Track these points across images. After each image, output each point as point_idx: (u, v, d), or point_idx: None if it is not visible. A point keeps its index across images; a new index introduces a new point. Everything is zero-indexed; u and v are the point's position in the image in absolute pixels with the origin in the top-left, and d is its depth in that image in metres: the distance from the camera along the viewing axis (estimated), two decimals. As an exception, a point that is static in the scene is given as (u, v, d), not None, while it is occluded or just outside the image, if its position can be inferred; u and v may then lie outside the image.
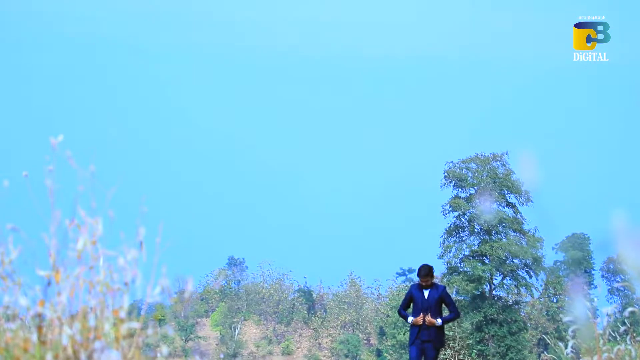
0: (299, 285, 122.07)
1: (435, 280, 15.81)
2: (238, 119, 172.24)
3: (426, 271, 15.43)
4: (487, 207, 64.69)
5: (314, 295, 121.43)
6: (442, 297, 15.45)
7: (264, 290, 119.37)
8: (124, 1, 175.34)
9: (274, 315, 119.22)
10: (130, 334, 6.18)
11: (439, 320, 15.26)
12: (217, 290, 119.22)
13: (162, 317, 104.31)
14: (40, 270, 6.11)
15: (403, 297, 16.42)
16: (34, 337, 6.01)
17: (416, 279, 15.94)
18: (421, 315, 15.35)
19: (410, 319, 15.37)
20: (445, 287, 15.69)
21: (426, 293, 15.42)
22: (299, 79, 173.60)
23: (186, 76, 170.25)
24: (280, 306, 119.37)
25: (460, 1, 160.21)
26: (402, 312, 15.55)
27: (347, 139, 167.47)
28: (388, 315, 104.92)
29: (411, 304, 15.65)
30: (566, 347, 12.23)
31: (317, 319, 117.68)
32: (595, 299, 12.16)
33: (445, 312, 15.67)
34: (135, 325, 6.16)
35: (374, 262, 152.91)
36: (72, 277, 6.13)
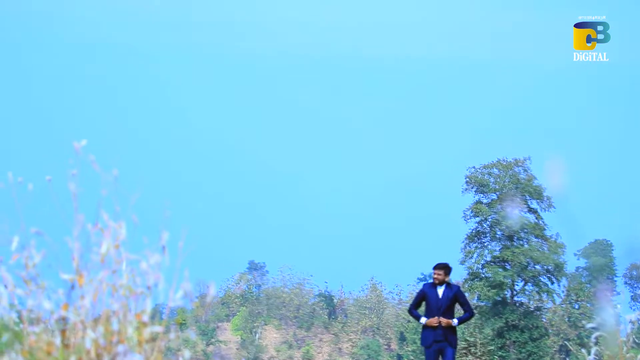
0: (319, 290, 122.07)
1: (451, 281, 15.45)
2: (248, 123, 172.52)
3: (441, 265, 14.95)
4: (511, 213, 64.51)
5: (335, 300, 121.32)
6: (456, 297, 14.91)
7: (284, 295, 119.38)
8: (123, 3, 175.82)
9: (294, 320, 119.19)
10: (153, 338, 6.18)
11: (455, 321, 14.74)
12: (237, 295, 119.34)
13: (184, 322, 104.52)
14: (64, 274, 6.11)
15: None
16: (58, 341, 6.02)
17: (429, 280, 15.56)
18: (436, 317, 14.80)
19: (423, 319, 14.83)
20: (459, 287, 15.21)
21: (440, 292, 14.88)
22: (311, 82, 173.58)
23: (193, 79, 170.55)
24: (300, 311, 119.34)
25: (461, 1, 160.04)
26: (414, 312, 14.97)
27: (364, 142, 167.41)
28: (409, 321, 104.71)
29: (422, 304, 15.14)
30: (589, 353, 12.16)
31: (337, 323, 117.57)
32: (619, 306, 12.02)
33: (459, 313, 15.17)
34: (158, 329, 6.16)
35: (395, 267, 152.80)
36: (96, 280, 6.14)
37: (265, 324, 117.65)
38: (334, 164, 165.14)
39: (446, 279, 14.90)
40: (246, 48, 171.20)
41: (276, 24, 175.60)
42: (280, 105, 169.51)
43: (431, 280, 15.21)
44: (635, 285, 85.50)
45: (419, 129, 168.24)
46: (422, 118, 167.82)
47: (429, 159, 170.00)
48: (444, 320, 14.65)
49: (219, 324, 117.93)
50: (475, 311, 43.67)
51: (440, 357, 14.89)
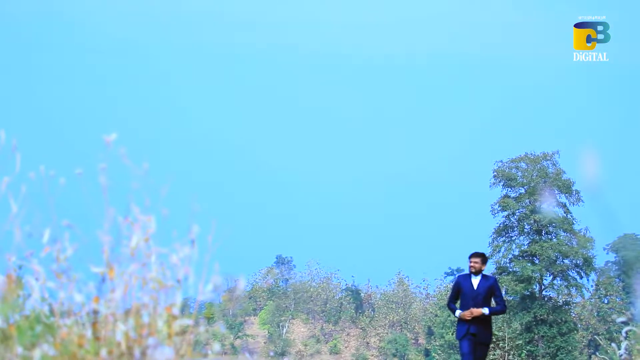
0: (346, 284, 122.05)
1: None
2: (261, 120, 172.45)
3: (478, 253, 14.55)
4: (547, 205, 64.30)
5: (362, 294, 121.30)
6: (492, 288, 14.41)
7: (311, 289, 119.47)
8: (126, 1, 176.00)
9: (321, 314, 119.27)
10: (183, 331, 6.21)
11: (486, 310, 14.25)
12: (265, 289, 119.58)
13: (212, 315, 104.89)
14: (95, 267, 6.14)
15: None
16: (89, 333, 6.05)
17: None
18: (469, 310, 14.33)
19: (458, 312, 14.38)
20: (496, 279, 14.70)
21: (475, 282, 14.44)
22: (323, 76, 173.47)
23: (207, 78, 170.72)
24: (327, 305, 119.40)
25: (461, 1, 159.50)
26: (452, 305, 14.54)
27: (390, 139, 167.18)
28: (436, 315, 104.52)
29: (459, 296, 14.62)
30: (619, 348, 12.09)
31: (364, 318, 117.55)
32: None
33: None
34: (188, 322, 6.18)
35: (422, 261, 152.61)
36: (126, 273, 6.16)
37: (293, 318, 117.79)
38: (357, 158, 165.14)
39: (483, 268, 14.46)
40: (250, 45, 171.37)
41: (277, 21, 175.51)
42: (292, 102, 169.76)
43: (465, 272, 14.74)
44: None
45: (432, 125, 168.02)
46: (426, 116, 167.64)
47: (451, 153, 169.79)
48: (475, 311, 14.23)
49: (246, 317, 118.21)
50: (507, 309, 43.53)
51: (475, 348, 14.47)
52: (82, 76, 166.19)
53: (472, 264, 14.43)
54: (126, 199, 6.27)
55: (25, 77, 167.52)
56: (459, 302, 14.50)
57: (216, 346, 8.27)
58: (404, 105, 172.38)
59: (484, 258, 14.52)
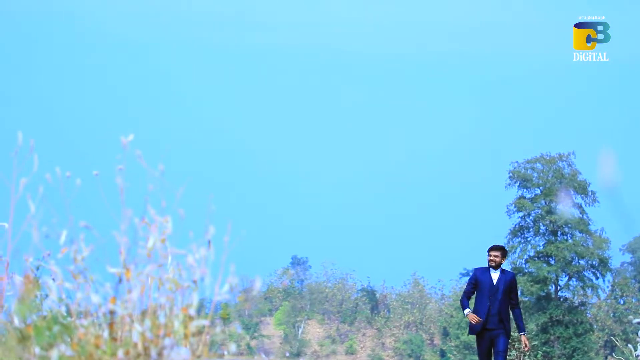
0: (362, 285, 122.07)
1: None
2: (268, 119, 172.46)
3: (498, 247, 13.84)
4: (566, 205, 64.25)
5: (377, 295, 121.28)
6: (511, 284, 13.69)
7: (327, 290, 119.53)
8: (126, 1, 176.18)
9: (337, 315, 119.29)
10: (199, 332, 6.24)
11: (526, 341, 13.74)
12: (280, 290, 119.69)
13: (228, 316, 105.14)
14: (112, 267, 6.18)
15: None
16: (106, 334, 6.09)
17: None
18: (475, 317, 13.53)
19: (467, 311, 13.62)
20: (515, 275, 14.09)
21: (495, 277, 13.68)
22: (331, 73, 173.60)
23: (220, 77, 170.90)
24: (343, 305, 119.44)
25: (461, 1, 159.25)
26: (465, 301, 13.72)
27: (405, 139, 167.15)
28: (452, 316, 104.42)
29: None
30: (635, 349, 12.06)
31: (380, 318, 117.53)
32: None
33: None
34: (204, 322, 6.21)
35: (437, 262, 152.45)
36: (143, 274, 6.20)
37: (309, 319, 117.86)
38: (372, 157, 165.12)
39: (502, 262, 13.79)
40: (254, 44, 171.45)
41: (281, 18, 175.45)
42: (305, 101, 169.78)
43: (484, 266, 13.94)
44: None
45: (434, 125, 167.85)
46: (428, 116, 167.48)
47: (462, 154, 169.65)
48: (526, 343, 13.65)
49: (262, 318, 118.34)
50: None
51: (492, 348, 13.66)
52: (94, 76, 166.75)
53: (491, 258, 13.75)
54: (142, 200, 6.30)
55: (36, 78, 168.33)
56: (474, 297, 13.86)
57: (232, 347, 8.32)
58: (413, 105, 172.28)
59: (504, 251, 13.89)
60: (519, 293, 66.06)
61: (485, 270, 13.74)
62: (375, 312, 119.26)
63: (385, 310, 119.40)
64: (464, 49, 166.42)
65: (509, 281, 13.70)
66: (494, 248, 13.78)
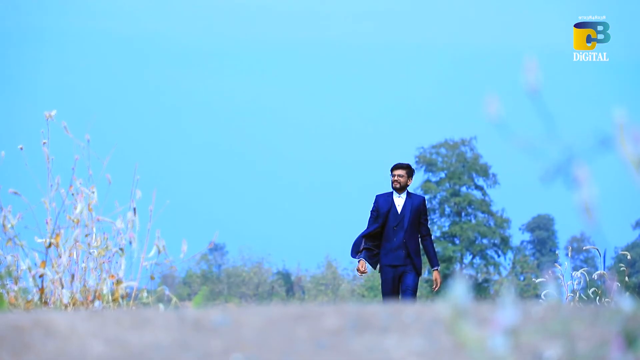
0: (277, 269, 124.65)
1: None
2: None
3: (402, 165, 11.10)
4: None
5: (293, 277, 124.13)
6: (419, 210, 10.99)
7: (244, 274, 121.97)
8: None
9: (254, 297, 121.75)
10: (128, 294, 6.29)
11: (437, 270, 11.03)
12: (199, 275, 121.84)
13: (154, 278, 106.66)
14: (39, 238, 6.16)
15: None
16: (36, 298, 6.03)
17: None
18: (363, 262, 11.09)
19: (360, 261, 11.20)
20: (425, 199, 11.30)
21: (399, 203, 10.96)
22: (333, 67, 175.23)
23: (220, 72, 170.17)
24: (260, 288, 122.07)
25: (459, 0, 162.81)
26: (359, 242, 11.09)
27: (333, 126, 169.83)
28: (363, 296, 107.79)
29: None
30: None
31: (295, 300, 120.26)
32: (562, 276, 11.44)
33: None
34: (133, 283, 6.25)
35: (350, 245, 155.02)
36: (70, 240, 6.17)
37: (227, 302, 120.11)
38: (277, 141, 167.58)
39: (409, 184, 11.12)
40: (254, 40, 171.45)
41: (283, 14, 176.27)
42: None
43: (387, 192, 11.17)
44: (575, 257, 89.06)
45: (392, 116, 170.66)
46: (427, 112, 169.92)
47: (401, 146, 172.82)
48: (438, 279, 11.19)
49: (181, 302, 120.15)
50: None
51: (399, 285, 11.10)
52: (119, 72, 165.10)
53: (395, 178, 11.03)
54: (69, 170, 6.33)
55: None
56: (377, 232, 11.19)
57: (161, 307, 7.90)
58: (403, 98, 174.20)
59: (410, 170, 11.18)
60: (426, 272, 68.71)
61: (389, 195, 11.09)
62: (291, 293, 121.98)
63: (300, 292, 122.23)
64: (463, 48, 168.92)
65: (417, 206, 11.04)
66: (397, 166, 11.08)
